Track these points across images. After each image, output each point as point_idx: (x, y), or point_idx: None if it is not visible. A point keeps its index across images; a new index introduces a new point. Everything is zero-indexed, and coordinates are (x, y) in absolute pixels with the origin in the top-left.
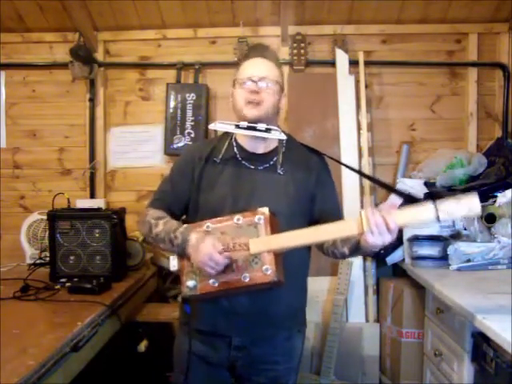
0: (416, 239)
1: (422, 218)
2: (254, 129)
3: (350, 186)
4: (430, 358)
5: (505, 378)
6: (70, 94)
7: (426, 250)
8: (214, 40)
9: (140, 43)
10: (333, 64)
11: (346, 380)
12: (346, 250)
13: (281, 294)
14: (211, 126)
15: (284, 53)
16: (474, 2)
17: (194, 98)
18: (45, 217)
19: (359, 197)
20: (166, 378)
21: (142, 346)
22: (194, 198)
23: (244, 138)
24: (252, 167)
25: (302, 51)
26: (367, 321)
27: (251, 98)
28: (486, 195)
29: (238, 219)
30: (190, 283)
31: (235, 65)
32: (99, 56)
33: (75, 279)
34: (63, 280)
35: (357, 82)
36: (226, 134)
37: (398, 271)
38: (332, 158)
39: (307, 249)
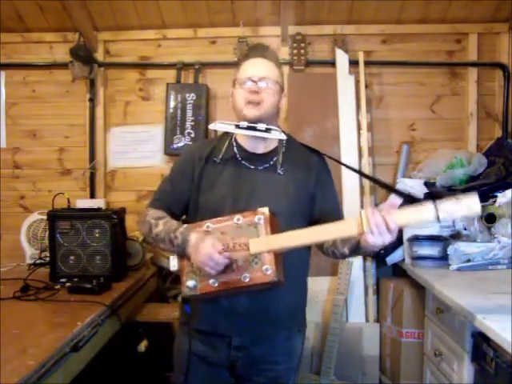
0: (416, 239)
1: (422, 218)
2: (254, 129)
3: (349, 185)
4: (430, 357)
5: (505, 378)
6: (70, 94)
7: (425, 250)
8: (213, 40)
9: (140, 43)
10: (333, 64)
11: (346, 380)
12: (346, 250)
13: (281, 294)
14: (211, 126)
15: (284, 53)
16: (473, 2)
17: (194, 98)
18: (45, 217)
19: (359, 197)
20: (166, 378)
21: (142, 346)
22: (193, 197)
23: (244, 138)
24: (252, 167)
25: (302, 51)
26: (367, 321)
27: (251, 98)
28: (486, 195)
29: (238, 219)
30: (190, 283)
31: (235, 65)
32: (99, 56)
33: (75, 279)
34: (63, 280)
35: (357, 82)
36: (226, 134)
37: (398, 271)
38: (332, 158)
39: (307, 249)
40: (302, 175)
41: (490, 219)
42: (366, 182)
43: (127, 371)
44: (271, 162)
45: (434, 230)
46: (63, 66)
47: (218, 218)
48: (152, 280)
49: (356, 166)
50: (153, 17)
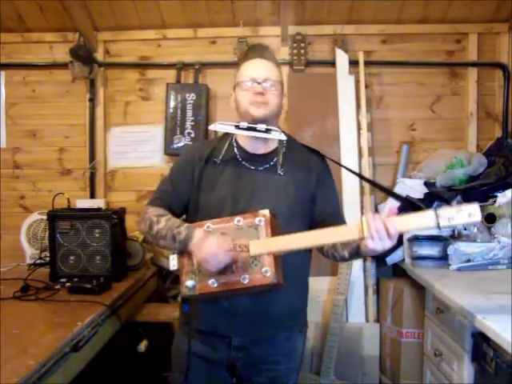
0: (416, 239)
1: (423, 225)
2: (254, 129)
3: (350, 186)
4: (430, 357)
5: (505, 378)
6: (70, 93)
7: (425, 249)
8: (214, 40)
9: (140, 43)
10: (333, 64)
11: (346, 380)
12: (346, 254)
13: (281, 295)
14: (211, 127)
15: (284, 53)
16: (473, 2)
17: (194, 98)
18: (45, 217)
19: (359, 197)
20: (164, 378)
21: (142, 346)
22: (193, 198)
23: (244, 139)
24: (252, 168)
25: (302, 51)
26: (367, 321)
27: (257, 99)
28: (486, 195)
29: (239, 221)
30: (189, 283)
31: (235, 65)
32: (99, 56)
33: (75, 279)
34: (63, 280)
35: (357, 82)
36: (227, 135)
37: (398, 271)
38: (331, 160)
39: (308, 250)
40: (302, 176)
41: (489, 219)
42: (366, 183)
43: (127, 371)
44: (271, 163)
45: (433, 230)
46: (63, 65)
47: (219, 219)
48: (152, 280)
49: (356, 166)
50: (153, 17)
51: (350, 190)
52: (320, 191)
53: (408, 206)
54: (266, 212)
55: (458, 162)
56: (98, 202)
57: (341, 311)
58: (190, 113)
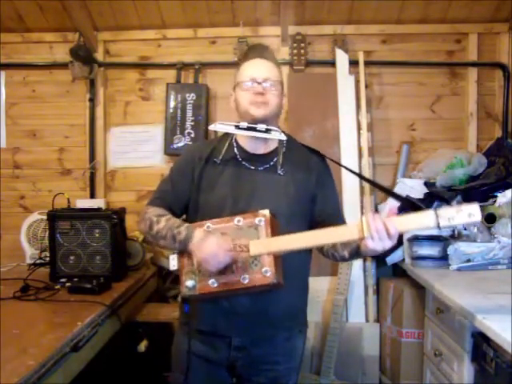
0: (416, 239)
1: (423, 225)
2: (254, 129)
3: (349, 186)
4: (430, 357)
5: (505, 378)
6: (70, 93)
7: (425, 250)
8: (214, 40)
9: (140, 43)
10: (333, 64)
11: (346, 380)
12: (345, 254)
13: (281, 295)
14: (211, 127)
15: (284, 53)
16: (473, 2)
17: (194, 98)
18: (45, 217)
19: (359, 197)
20: (163, 378)
21: (142, 346)
22: (193, 198)
23: (244, 139)
24: (252, 168)
25: (302, 51)
26: (367, 321)
27: (257, 99)
28: (486, 195)
29: (239, 221)
30: (189, 283)
31: (235, 65)
32: (99, 56)
33: (75, 279)
34: (63, 280)
35: (357, 82)
36: (227, 135)
37: (398, 271)
38: (331, 160)
39: (308, 250)
40: (302, 176)
41: (489, 219)
42: (366, 183)
43: (127, 371)
44: (271, 163)
45: (433, 230)
46: (63, 65)
47: (219, 219)
48: (152, 280)
49: (356, 166)
50: (153, 17)
51: (350, 190)
52: (320, 191)
53: (408, 206)
54: (266, 212)
55: (458, 161)
56: (98, 202)
57: (341, 311)
58: (190, 113)
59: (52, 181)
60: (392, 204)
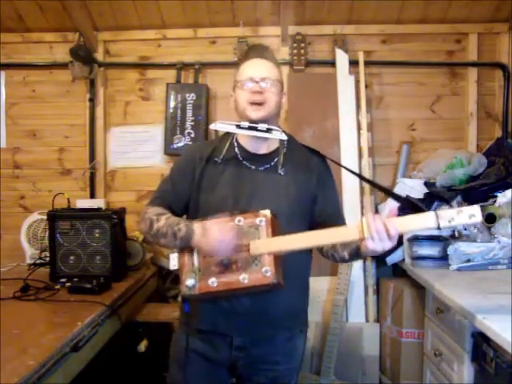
0: (416, 239)
1: (423, 226)
2: (255, 129)
3: (350, 186)
4: (430, 357)
5: (505, 378)
6: (70, 93)
7: (425, 250)
8: (214, 40)
9: (140, 43)
10: (333, 64)
11: (346, 380)
12: (345, 254)
13: (282, 295)
14: (212, 126)
15: (284, 53)
16: (473, 2)
17: (194, 98)
18: (45, 217)
19: (359, 197)
20: (163, 378)
21: (142, 345)
22: (194, 197)
23: (245, 139)
24: (253, 168)
25: (302, 51)
26: (367, 321)
27: (254, 98)
28: (486, 195)
29: (239, 220)
30: (189, 282)
31: (235, 65)
32: (99, 56)
33: (75, 279)
34: (63, 280)
35: (357, 82)
36: (227, 135)
37: (398, 271)
38: (331, 160)
39: (309, 250)
40: (303, 176)
41: (489, 219)
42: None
43: (127, 371)
44: (272, 163)
45: (434, 230)
46: (63, 65)
47: (219, 219)
48: (152, 280)
49: (356, 167)
50: (153, 17)
51: (350, 190)
52: (320, 192)
53: (408, 206)
54: (267, 212)
55: (458, 161)
56: (98, 202)
57: (341, 311)
58: (189, 113)
59: (52, 181)
60: (392, 204)
